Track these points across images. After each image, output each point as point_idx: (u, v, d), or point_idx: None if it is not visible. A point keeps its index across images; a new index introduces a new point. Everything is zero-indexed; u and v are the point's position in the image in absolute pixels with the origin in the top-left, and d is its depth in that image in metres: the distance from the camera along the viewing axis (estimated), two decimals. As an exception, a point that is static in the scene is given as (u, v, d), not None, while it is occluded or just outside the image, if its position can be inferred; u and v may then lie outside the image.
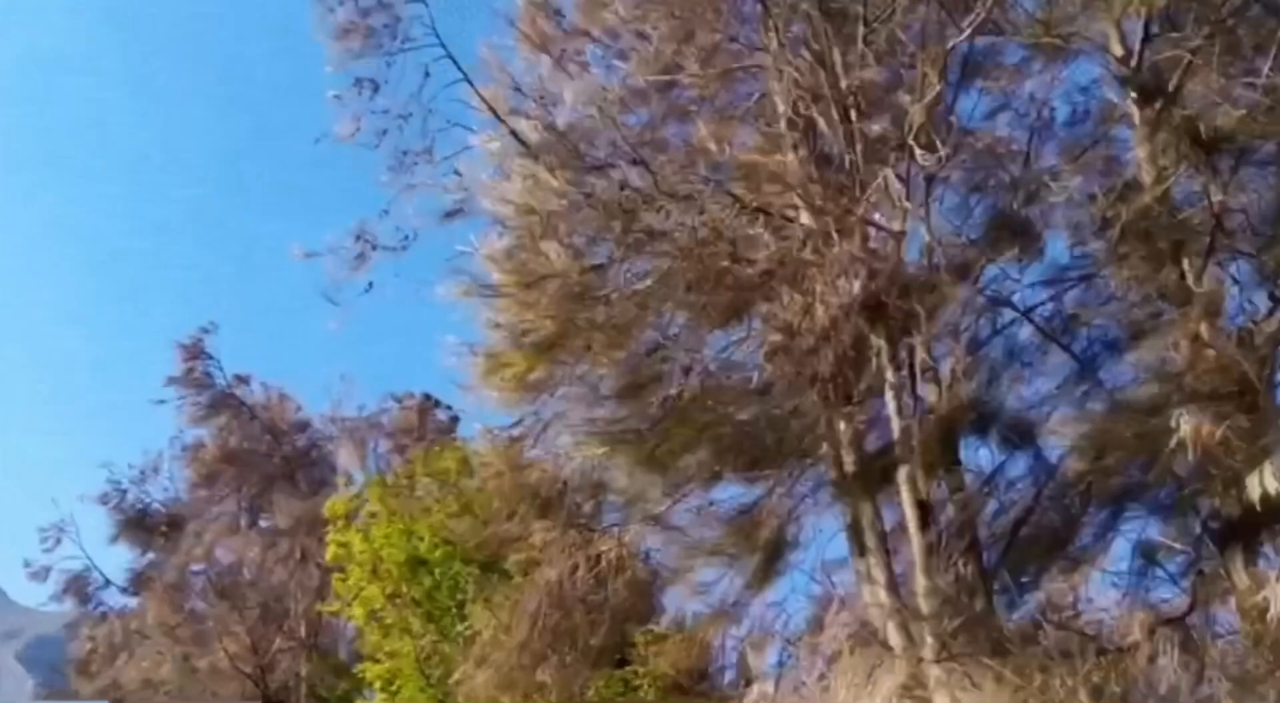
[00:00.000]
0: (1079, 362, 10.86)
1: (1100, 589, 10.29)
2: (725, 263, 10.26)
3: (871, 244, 10.23)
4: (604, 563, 11.39)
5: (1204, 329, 9.71)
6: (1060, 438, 10.59)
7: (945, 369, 10.31)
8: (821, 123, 10.80)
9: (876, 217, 10.31)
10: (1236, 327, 10.08)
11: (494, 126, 11.68)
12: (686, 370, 11.04)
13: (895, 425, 10.30)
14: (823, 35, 10.62)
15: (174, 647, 27.34)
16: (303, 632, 26.90)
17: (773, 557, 11.36)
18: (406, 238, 12.22)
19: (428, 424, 27.95)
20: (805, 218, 10.70)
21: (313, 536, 25.06)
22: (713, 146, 11.11)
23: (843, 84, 10.67)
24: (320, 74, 11.89)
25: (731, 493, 11.48)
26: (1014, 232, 10.58)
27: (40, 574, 30.12)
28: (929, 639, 9.52)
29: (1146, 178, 10.40)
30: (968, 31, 10.16)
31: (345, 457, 28.40)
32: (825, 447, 10.95)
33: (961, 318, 10.51)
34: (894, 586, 10.31)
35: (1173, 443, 8.99)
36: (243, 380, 31.00)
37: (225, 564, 29.23)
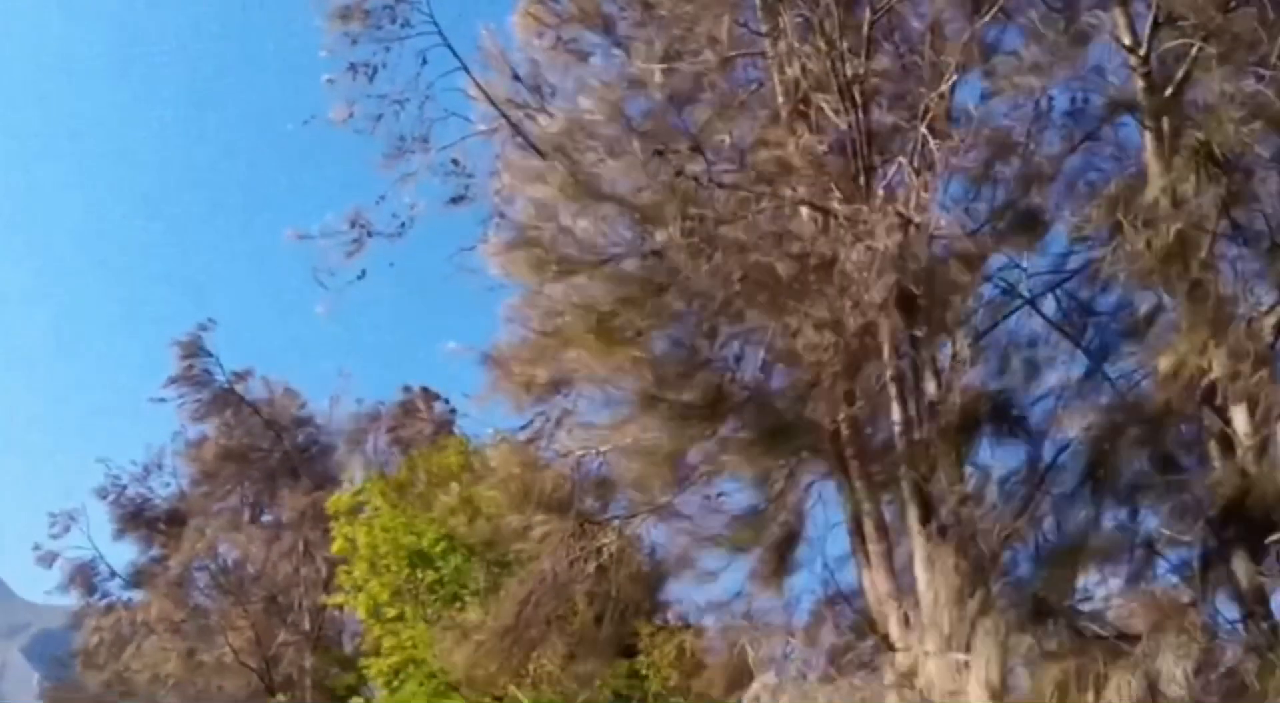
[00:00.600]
0: (1086, 354, 10.79)
1: (1104, 581, 10.23)
2: (774, 257, 10.10)
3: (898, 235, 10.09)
4: (605, 555, 11.32)
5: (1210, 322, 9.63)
6: (1065, 430, 10.53)
7: (949, 361, 10.23)
8: (829, 112, 10.67)
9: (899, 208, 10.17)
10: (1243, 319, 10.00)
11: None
12: (738, 358, 10.91)
13: (898, 418, 10.24)
14: (831, 20, 10.45)
15: (179, 641, 27.34)
16: (307, 625, 26.91)
17: (779, 551, 11.30)
18: (403, 225, 12.14)
19: (427, 418, 27.92)
20: (840, 208, 10.47)
21: (316, 529, 25.04)
22: (727, 138, 10.95)
23: (849, 71, 10.54)
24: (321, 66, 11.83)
25: (734, 486, 11.43)
26: (1021, 222, 10.48)
27: (47, 559, 30.09)
28: (929, 629, 9.47)
29: (1154, 170, 10.31)
30: (987, 16, 10.04)
31: (345, 451, 28.42)
32: (830, 440, 10.85)
33: (970, 311, 10.43)
34: (895, 579, 10.24)
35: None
36: (241, 377, 30.96)
37: (229, 559, 29.23)
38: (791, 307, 10.30)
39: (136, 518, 30.67)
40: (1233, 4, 10.41)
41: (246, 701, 26.87)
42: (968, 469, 10.51)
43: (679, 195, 9.97)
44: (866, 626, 10.33)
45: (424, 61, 11.55)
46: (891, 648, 9.88)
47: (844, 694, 9.57)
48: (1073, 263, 11.20)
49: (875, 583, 10.41)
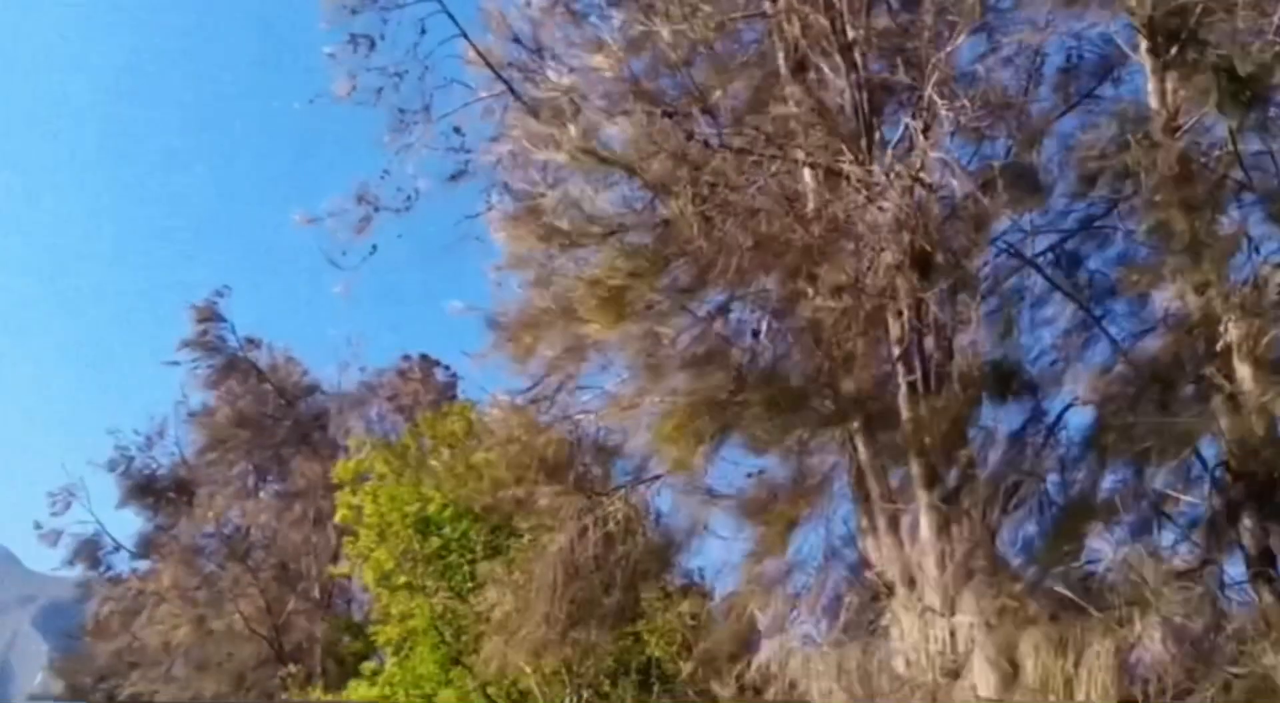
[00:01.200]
0: (1089, 313, 10.73)
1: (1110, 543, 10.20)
2: (787, 222, 9.99)
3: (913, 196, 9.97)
4: (613, 525, 11.31)
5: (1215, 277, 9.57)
6: (1069, 391, 10.49)
7: (952, 324, 10.18)
8: (828, 72, 10.57)
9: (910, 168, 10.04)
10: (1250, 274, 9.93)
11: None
12: (756, 333, 10.85)
13: (903, 383, 10.20)
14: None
15: (189, 610, 27.45)
16: (317, 593, 27.02)
17: (788, 517, 11.29)
18: (409, 198, 12.07)
19: (429, 385, 27.93)
20: (852, 170, 10.33)
21: (327, 498, 25.09)
22: (729, 100, 10.81)
23: (849, 31, 10.43)
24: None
25: (744, 454, 11.40)
26: (1023, 180, 10.39)
27: (50, 537, 30.18)
28: (937, 595, 9.48)
29: (1159, 123, 10.21)
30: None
31: (346, 420, 28.42)
32: (855, 405, 10.79)
33: (975, 271, 10.36)
34: (901, 543, 10.23)
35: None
36: (254, 344, 30.97)
37: (238, 527, 29.31)
38: (805, 271, 10.21)
39: (144, 489, 30.75)
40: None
41: (257, 668, 27.03)
42: (972, 433, 10.47)
43: (689, 162, 9.85)
44: (873, 590, 10.34)
45: (423, 30, 11.43)
46: (897, 612, 9.89)
47: (851, 659, 9.59)
48: (1073, 220, 11.12)
49: (881, 548, 10.41)
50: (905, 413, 10.05)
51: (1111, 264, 10.96)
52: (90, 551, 30.83)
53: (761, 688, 10.21)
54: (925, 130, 9.90)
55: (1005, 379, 10.54)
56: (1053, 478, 10.31)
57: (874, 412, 10.48)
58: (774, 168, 10.06)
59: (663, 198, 9.89)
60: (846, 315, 9.85)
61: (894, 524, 10.28)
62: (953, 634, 9.09)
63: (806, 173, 10.40)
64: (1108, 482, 10.30)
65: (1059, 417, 10.60)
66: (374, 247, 12.20)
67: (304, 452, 28.98)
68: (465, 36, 11.43)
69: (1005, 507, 10.01)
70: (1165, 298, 10.26)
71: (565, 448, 11.54)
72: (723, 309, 10.86)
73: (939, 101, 9.80)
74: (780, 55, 11.33)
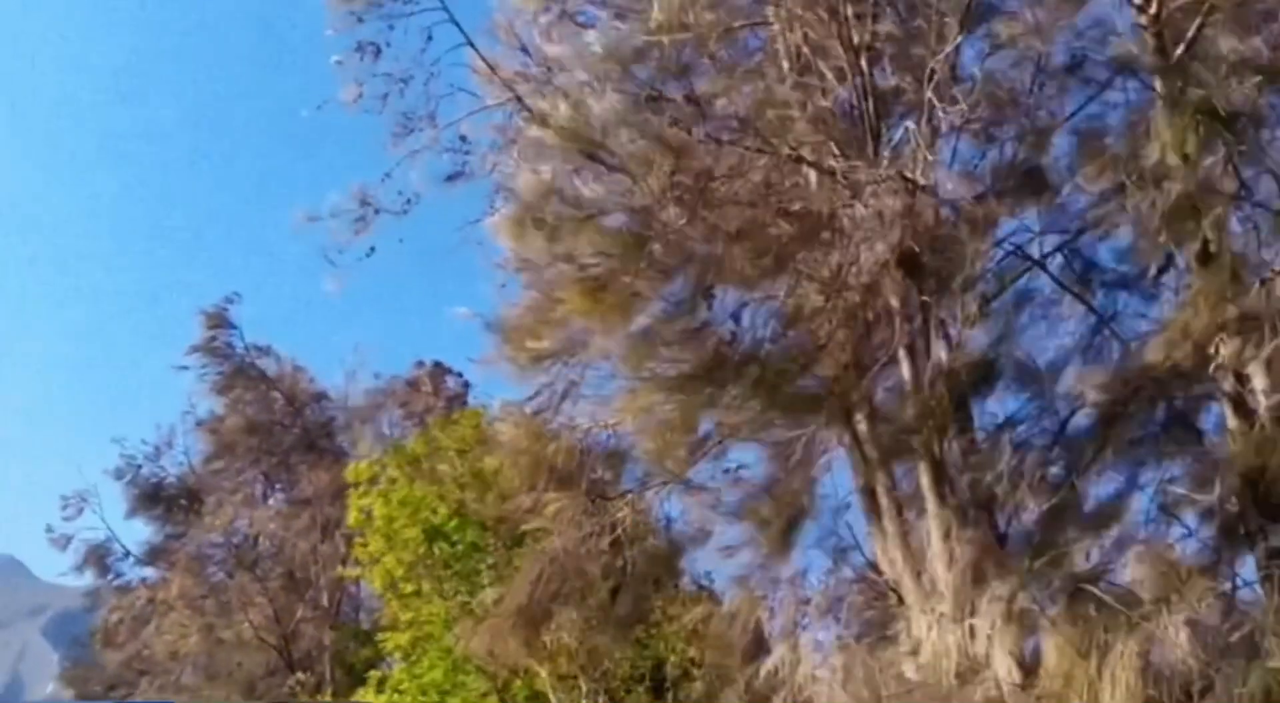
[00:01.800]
0: (1096, 314, 10.72)
1: (1120, 543, 10.19)
2: (770, 214, 9.98)
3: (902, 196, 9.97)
4: (620, 530, 11.31)
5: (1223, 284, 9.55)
6: (1078, 392, 10.47)
7: (959, 324, 10.18)
8: (831, 76, 10.58)
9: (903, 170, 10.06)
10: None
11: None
12: (736, 316, 10.83)
13: (909, 383, 10.20)
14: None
15: (198, 618, 27.47)
16: (325, 601, 27.02)
17: (793, 520, 11.29)
18: (409, 201, 12.10)
19: (440, 392, 27.95)
20: (840, 169, 10.33)
21: (335, 505, 25.11)
22: (729, 102, 10.81)
23: (854, 36, 10.44)
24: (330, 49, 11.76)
25: (749, 458, 11.40)
26: (1029, 181, 10.39)
27: (61, 542, 30.24)
28: (945, 597, 9.46)
29: (1159, 127, 10.21)
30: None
31: (359, 426, 28.45)
32: (841, 407, 10.80)
33: (978, 271, 10.35)
34: (909, 545, 10.23)
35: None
36: (261, 351, 31.03)
37: (246, 536, 29.34)
38: (790, 265, 10.21)
39: (152, 497, 30.79)
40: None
41: (266, 676, 27.04)
42: (979, 434, 10.46)
43: (669, 146, 9.84)
44: (881, 593, 10.33)
45: (429, 37, 11.46)
46: (907, 616, 9.88)
47: (860, 662, 9.58)
48: (1080, 221, 11.11)
49: (889, 550, 10.40)
50: (909, 413, 10.04)
51: (1121, 264, 10.96)
52: (100, 557, 30.88)
53: (771, 694, 10.20)
54: (924, 132, 9.92)
55: (1013, 379, 10.53)
56: (1062, 478, 10.29)
57: (877, 412, 10.49)
58: (760, 162, 10.06)
59: (640, 181, 9.86)
60: (825, 308, 9.85)
61: (902, 527, 10.28)
62: (972, 636, 9.06)
63: (800, 169, 10.39)
64: (1116, 482, 10.30)
65: (1068, 416, 10.59)
66: (372, 248, 12.21)
67: (311, 459, 29.01)
68: (471, 44, 11.46)
69: (1014, 507, 10.00)
70: (1173, 299, 10.27)
71: (574, 455, 11.54)
72: (704, 293, 10.83)
73: (938, 104, 9.82)
74: (783, 60, 11.34)
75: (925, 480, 10.06)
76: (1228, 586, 9.69)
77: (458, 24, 11.37)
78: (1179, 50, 10.20)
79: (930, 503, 9.96)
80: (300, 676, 24.98)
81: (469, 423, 19.57)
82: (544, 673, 15.72)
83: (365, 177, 12.37)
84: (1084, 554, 9.99)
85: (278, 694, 26.02)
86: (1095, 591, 9.14)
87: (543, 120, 10.53)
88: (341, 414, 30.28)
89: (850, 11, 10.46)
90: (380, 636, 20.44)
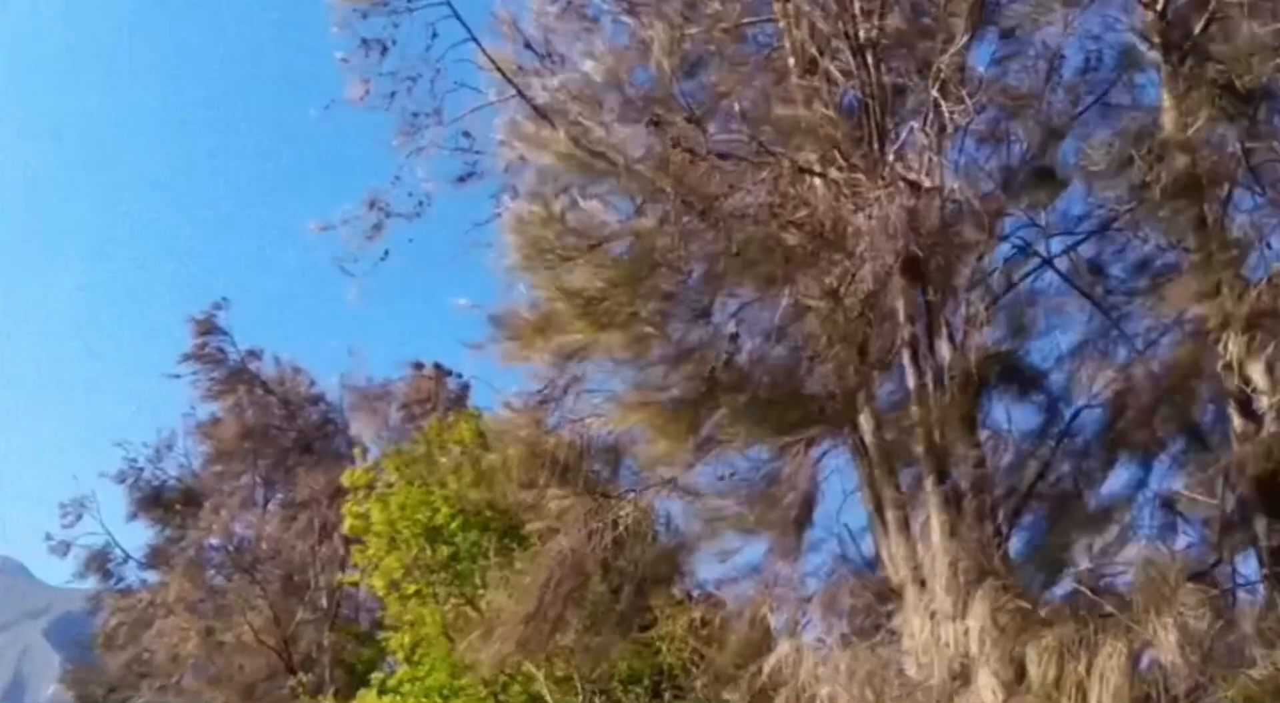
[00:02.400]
0: (1103, 312, 10.69)
1: (1123, 544, 10.16)
2: (773, 228, 9.95)
3: (906, 200, 9.95)
4: (621, 529, 11.28)
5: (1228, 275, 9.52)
6: (1081, 391, 10.45)
7: (963, 325, 10.15)
8: (838, 74, 10.54)
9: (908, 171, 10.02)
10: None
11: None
12: (734, 337, 10.81)
13: (913, 384, 10.17)
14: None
15: (197, 622, 27.45)
16: (324, 603, 27.00)
17: (795, 520, 11.26)
18: (420, 203, 12.06)
19: (441, 393, 27.91)
20: (840, 175, 10.29)
21: (332, 507, 25.10)
22: (735, 105, 10.80)
23: (861, 33, 10.40)
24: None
25: (753, 459, 11.37)
26: (1036, 180, 10.37)
27: (60, 549, 30.21)
28: (947, 597, 9.43)
29: (1170, 124, 10.19)
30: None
31: (359, 427, 28.42)
32: (844, 408, 10.77)
33: (985, 271, 10.33)
34: (912, 545, 10.19)
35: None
36: (255, 355, 31.03)
37: (244, 538, 29.33)
38: (794, 276, 10.18)
39: (153, 501, 30.78)
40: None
41: (266, 679, 27.00)
42: (983, 433, 10.43)
43: (672, 170, 9.83)
44: (883, 592, 10.30)
45: (434, 34, 11.40)
46: (908, 615, 9.84)
47: (862, 661, 9.55)
48: (1090, 223, 11.09)
49: (891, 550, 10.37)
50: (914, 413, 10.01)
51: (1127, 265, 10.94)
52: (100, 562, 30.86)
53: (773, 693, 10.16)
54: (930, 133, 9.89)
55: (1018, 379, 10.50)
56: (1065, 479, 10.26)
57: (880, 412, 10.45)
58: (763, 175, 10.04)
59: (646, 206, 9.86)
60: (826, 322, 9.83)
61: (904, 526, 10.24)
62: (966, 636, 9.03)
63: (794, 179, 10.36)
64: (1120, 482, 10.26)
65: (1073, 417, 10.56)
66: (386, 251, 12.14)
67: (309, 462, 29.00)
68: (475, 40, 11.40)
69: (1017, 508, 9.97)
70: (1180, 300, 10.23)
71: (575, 452, 11.52)
72: (702, 313, 10.83)
73: (944, 103, 9.79)
74: (790, 60, 11.31)
75: (927, 481, 10.03)
76: (1229, 588, 9.66)
77: (461, 18, 11.31)
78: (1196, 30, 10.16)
79: (932, 503, 9.93)
80: (300, 677, 24.94)
81: (468, 424, 19.54)
82: (540, 676, 15.66)
83: (373, 179, 12.33)
84: (1083, 556, 9.97)
85: (278, 697, 25.98)
86: (1088, 593, 9.12)
87: (543, 144, 10.55)
88: (340, 417, 30.27)
89: (857, 8, 10.43)
90: (383, 635, 20.37)
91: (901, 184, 9.68)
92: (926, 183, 9.88)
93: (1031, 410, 10.68)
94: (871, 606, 10.34)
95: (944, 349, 10.15)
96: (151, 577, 30.94)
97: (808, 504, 11.31)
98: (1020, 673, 8.87)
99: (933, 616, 9.53)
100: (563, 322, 10.94)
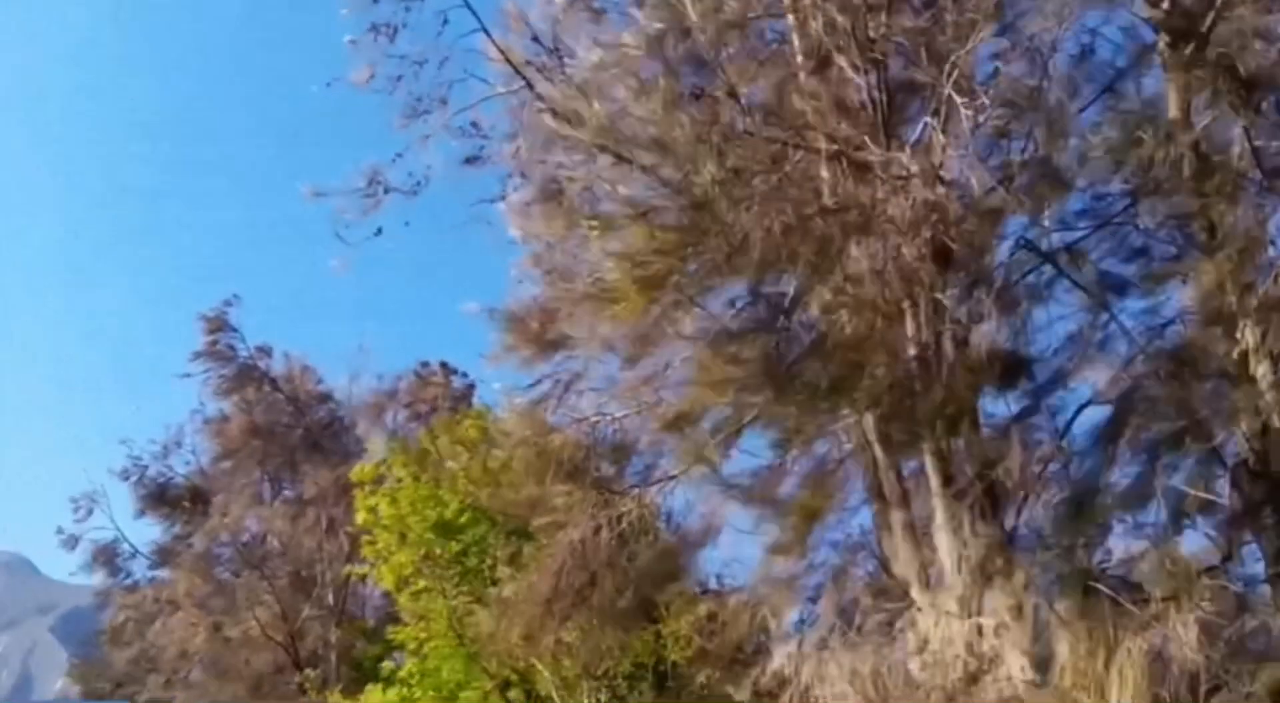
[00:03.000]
0: (1106, 309, 10.64)
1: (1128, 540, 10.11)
2: (811, 210, 9.87)
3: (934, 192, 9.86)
4: (626, 524, 11.25)
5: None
6: (1087, 386, 10.41)
7: (967, 318, 10.10)
8: (849, 70, 10.50)
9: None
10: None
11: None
12: (788, 313, 10.71)
13: (919, 379, 10.11)
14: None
15: (205, 617, 27.54)
16: (331, 600, 27.06)
17: (802, 517, 11.23)
18: (419, 183, 12.05)
19: (446, 391, 27.97)
20: (878, 161, 10.16)
21: (339, 505, 25.14)
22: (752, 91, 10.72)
23: (870, 29, 10.36)
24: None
25: (759, 455, 11.33)
26: (1043, 175, 10.31)
27: (70, 542, 30.32)
28: (953, 595, 9.39)
29: (1174, 118, 10.13)
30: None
31: (366, 426, 28.46)
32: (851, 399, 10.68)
33: (991, 266, 10.29)
34: (917, 541, 10.15)
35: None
36: (265, 352, 31.10)
37: (253, 535, 29.40)
38: (830, 261, 10.09)
39: (160, 498, 30.85)
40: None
41: (274, 674, 27.07)
42: (988, 429, 10.37)
43: (713, 142, 9.73)
44: (889, 590, 10.26)
45: (445, 21, 11.41)
46: (914, 613, 9.80)
47: (866, 658, 9.51)
48: (1092, 217, 11.04)
49: (896, 546, 10.33)
50: (920, 408, 9.95)
51: (1130, 259, 10.88)
52: (108, 556, 30.95)
53: (777, 691, 10.13)
54: (943, 128, 9.84)
55: (1022, 374, 10.44)
56: (1070, 475, 10.21)
57: (888, 406, 10.37)
58: (798, 156, 9.98)
59: (689, 178, 9.73)
60: (867, 306, 9.76)
61: (909, 523, 10.20)
62: (980, 633, 8.98)
63: (826, 165, 10.29)
64: (1126, 478, 10.20)
65: (1076, 413, 10.51)
66: (379, 228, 12.15)
67: (316, 459, 29.05)
68: (485, 31, 11.42)
69: (1022, 504, 9.93)
70: (1184, 294, 10.18)
71: (580, 448, 11.49)
72: (752, 292, 10.73)
73: (957, 99, 9.75)
74: (800, 55, 11.27)
75: (934, 477, 9.99)
76: (1240, 583, 9.61)
77: (471, 8, 11.33)
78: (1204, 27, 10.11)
79: (939, 500, 9.89)
80: (307, 673, 25.01)
81: (474, 422, 19.56)
82: (546, 673, 15.65)
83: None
84: (1094, 551, 9.91)
85: (285, 692, 26.05)
86: (1104, 588, 9.07)
87: (565, 118, 10.45)
88: (348, 415, 30.32)
89: (868, 2, 10.39)
90: (391, 628, 20.40)
91: (929, 173, 9.63)
92: (946, 175, 9.83)
93: (1037, 405, 10.61)
94: (877, 603, 10.30)
95: (950, 344, 10.09)
96: (158, 573, 31.06)
97: (814, 500, 11.29)
98: (1040, 669, 8.84)
99: (940, 614, 9.49)
100: (577, 304, 10.87)
